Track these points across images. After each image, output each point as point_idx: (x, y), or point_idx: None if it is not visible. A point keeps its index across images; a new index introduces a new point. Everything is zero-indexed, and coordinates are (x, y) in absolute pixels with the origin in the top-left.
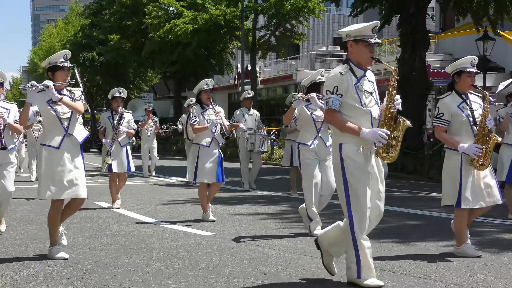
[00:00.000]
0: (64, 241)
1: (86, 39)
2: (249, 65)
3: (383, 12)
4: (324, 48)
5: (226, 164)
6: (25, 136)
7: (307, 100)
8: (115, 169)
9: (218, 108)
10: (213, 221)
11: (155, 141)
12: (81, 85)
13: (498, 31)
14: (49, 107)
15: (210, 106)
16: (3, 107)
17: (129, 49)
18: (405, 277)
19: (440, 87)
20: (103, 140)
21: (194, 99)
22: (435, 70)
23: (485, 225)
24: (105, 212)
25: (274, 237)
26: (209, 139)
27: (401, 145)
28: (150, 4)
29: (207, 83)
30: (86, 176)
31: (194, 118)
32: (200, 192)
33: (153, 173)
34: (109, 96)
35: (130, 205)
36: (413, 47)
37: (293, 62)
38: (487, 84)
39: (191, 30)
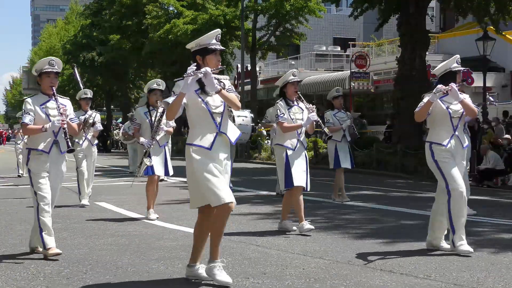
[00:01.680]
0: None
1: (86, 39)
2: (249, 65)
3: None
4: (324, 48)
5: None
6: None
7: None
8: (157, 171)
9: (306, 105)
10: (312, 229)
11: (169, 141)
12: (81, 85)
13: (500, 30)
14: (199, 99)
15: (295, 102)
16: (62, 104)
17: (129, 49)
18: (405, 277)
19: None
20: (141, 140)
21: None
22: None
23: (484, 225)
24: (105, 212)
25: (274, 237)
26: (295, 140)
27: (401, 145)
28: (150, 4)
29: (293, 74)
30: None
31: (282, 115)
32: (294, 196)
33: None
34: (146, 90)
35: (130, 205)
36: (413, 47)
37: (293, 62)
38: (487, 84)
39: (191, 30)
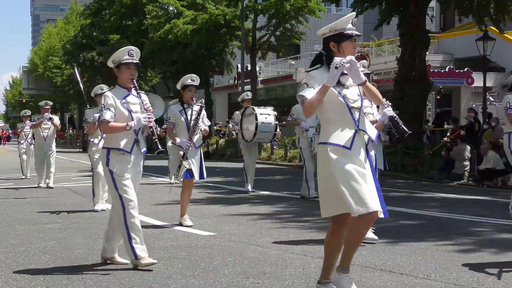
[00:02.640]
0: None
1: (86, 39)
2: (249, 65)
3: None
4: None
5: (226, 164)
6: (33, 137)
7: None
8: (195, 174)
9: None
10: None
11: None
12: (81, 85)
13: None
14: (336, 92)
15: None
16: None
17: None
18: (405, 277)
19: (440, 87)
20: (177, 140)
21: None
22: (435, 70)
23: (485, 225)
24: (105, 212)
25: (274, 237)
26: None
27: (401, 145)
28: (150, 4)
29: (364, 66)
30: (86, 176)
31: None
32: None
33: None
34: (179, 86)
35: None
36: (413, 47)
37: (293, 62)
38: (487, 84)
39: (191, 30)
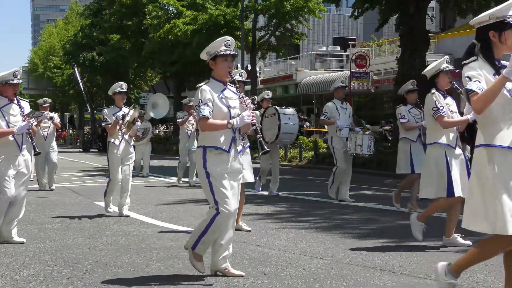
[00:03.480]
0: None
1: (86, 39)
2: (249, 65)
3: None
4: (324, 48)
5: None
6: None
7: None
8: (248, 177)
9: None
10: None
11: (195, 142)
12: (81, 85)
13: None
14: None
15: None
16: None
17: (129, 49)
18: (405, 277)
19: None
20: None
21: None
22: None
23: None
24: (105, 212)
25: (274, 237)
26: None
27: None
28: (150, 4)
29: (447, 61)
30: (86, 176)
31: (441, 108)
32: (455, 208)
33: (194, 179)
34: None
35: (130, 205)
36: (413, 47)
37: (293, 62)
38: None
39: (191, 30)
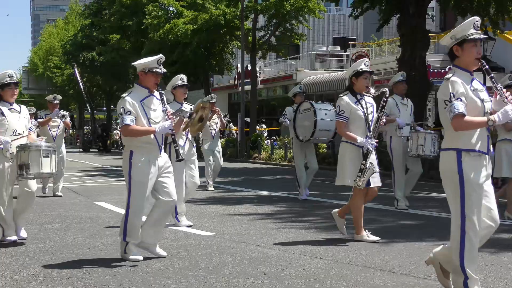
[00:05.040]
0: None
1: (86, 39)
2: (249, 65)
3: (383, 12)
4: (324, 48)
5: (226, 164)
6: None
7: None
8: (376, 182)
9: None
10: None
11: (219, 143)
12: (81, 85)
13: (498, 31)
14: None
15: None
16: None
17: (129, 49)
18: (405, 277)
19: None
20: (359, 140)
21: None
22: (435, 70)
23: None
24: (105, 212)
25: (274, 237)
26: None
27: None
28: (150, 4)
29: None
30: (86, 176)
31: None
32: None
33: (211, 185)
34: (349, 74)
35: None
36: (413, 47)
37: (293, 62)
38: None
39: (191, 30)
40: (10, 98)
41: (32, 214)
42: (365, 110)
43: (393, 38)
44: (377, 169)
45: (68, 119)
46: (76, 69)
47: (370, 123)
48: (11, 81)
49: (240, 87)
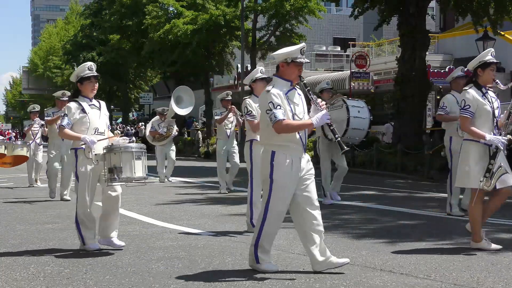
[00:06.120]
0: None
1: (86, 39)
2: (249, 65)
3: (383, 12)
4: (324, 48)
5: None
6: (45, 139)
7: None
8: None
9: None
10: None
11: (235, 143)
12: None
13: (498, 31)
14: None
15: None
16: None
17: (129, 49)
18: (405, 277)
19: (440, 87)
20: (488, 137)
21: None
22: (435, 70)
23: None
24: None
25: None
26: None
27: (401, 145)
28: (150, 4)
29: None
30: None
31: None
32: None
33: (231, 187)
34: (473, 66)
35: (130, 205)
36: (413, 47)
37: None
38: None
39: (191, 30)
40: (89, 93)
41: (32, 214)
42: (492, 104)
43: (393, 38)
44: (509, 170)
45: None
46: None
47: (496, 119)
48: (90, 74)
49: (240, 87)
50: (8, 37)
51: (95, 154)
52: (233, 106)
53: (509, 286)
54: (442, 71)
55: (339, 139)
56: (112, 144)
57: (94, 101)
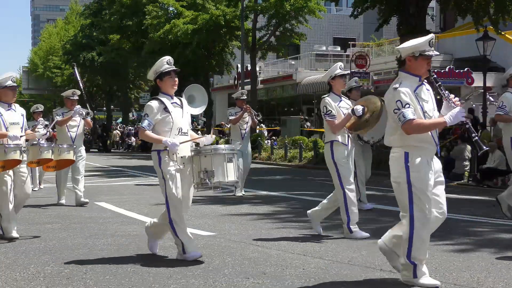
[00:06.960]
0: None
1: (86, 39)
2: (249, 65)
3: (383, 12)
4: (324, 48)
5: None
6: (50, 139)
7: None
8: None
9: None
10: None
11: (249, 143)
12: (81, 85)
13: (500, 30)
14: None
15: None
16: None
17: (129, 49)
18: None
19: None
20: None
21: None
22: (435, 70)
23: (485, 225)
24: (105, 212)
25: (274, 237)
26: None
27: None
28: (150, 4)
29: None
30: (86, 176)
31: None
32: None
33: (242, 191)
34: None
35: (130, 205)
36: None
37: (293, 62)
38: (487, 84)
39: (191, 30)
40: (170, 89)
41: (32, 214)
42: None
43: (393, 38)
44: None
45: (90, 117)
46: (76, 69)
47: None
48: (171, 69)
49: (240, 87)
50: (8, 37)
51: (181, 157)
52: (248, 105)
53: (509, 286)
54: (442, 71)
55: (476, 138)
56: (207, 147)
57: (176, 99)
